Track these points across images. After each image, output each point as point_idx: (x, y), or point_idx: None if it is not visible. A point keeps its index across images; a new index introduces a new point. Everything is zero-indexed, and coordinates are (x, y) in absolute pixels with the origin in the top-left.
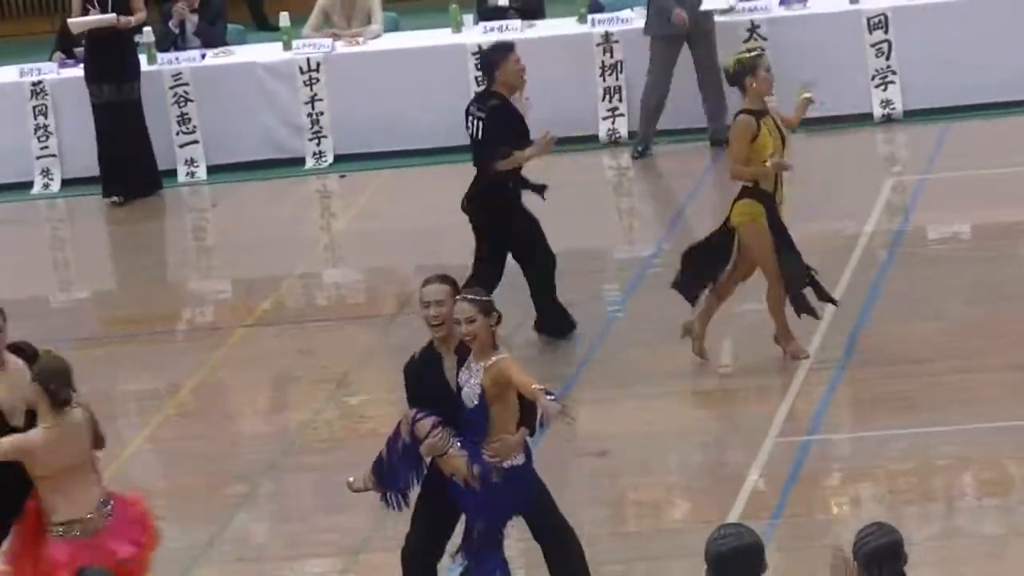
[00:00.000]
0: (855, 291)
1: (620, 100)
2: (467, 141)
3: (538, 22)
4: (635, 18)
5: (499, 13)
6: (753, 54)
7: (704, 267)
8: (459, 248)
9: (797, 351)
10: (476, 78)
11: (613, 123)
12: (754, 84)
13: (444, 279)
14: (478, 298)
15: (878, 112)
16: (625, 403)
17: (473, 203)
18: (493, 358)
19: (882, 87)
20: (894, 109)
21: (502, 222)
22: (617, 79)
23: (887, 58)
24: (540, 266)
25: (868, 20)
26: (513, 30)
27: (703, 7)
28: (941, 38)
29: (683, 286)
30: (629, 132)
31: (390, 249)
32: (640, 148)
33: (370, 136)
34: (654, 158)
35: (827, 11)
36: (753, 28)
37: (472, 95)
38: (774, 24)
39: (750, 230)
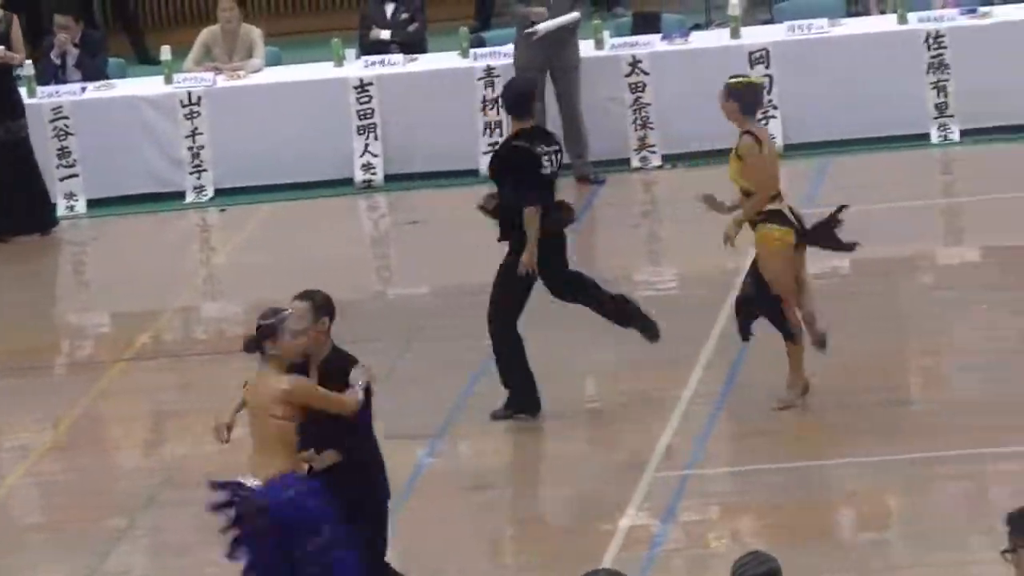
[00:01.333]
0: (734, 326)
1: (502, 134)
2: (344, 175)
3: (420, 56)
4: None
5: (381, 47)
6: (760, 81)
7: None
8: (340, 281)
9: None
10: (359, 112)
11: None
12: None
13: (302, 296)
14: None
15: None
16: (505, 437)
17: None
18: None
19: (763, 121)
20: (775, 143)
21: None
22: (499, 113)
23: (768, 93)
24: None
25: (750, 55)
26: (395, 64)
27: (543, 24)
28: (822, 73)
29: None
30: None
31: (270, 283)
32: None
33: (251, 170)
34: None
35: (709, 46)
36: (635, 63)
37: (354, 128)
38: (656, 59)
39: (768, 252)
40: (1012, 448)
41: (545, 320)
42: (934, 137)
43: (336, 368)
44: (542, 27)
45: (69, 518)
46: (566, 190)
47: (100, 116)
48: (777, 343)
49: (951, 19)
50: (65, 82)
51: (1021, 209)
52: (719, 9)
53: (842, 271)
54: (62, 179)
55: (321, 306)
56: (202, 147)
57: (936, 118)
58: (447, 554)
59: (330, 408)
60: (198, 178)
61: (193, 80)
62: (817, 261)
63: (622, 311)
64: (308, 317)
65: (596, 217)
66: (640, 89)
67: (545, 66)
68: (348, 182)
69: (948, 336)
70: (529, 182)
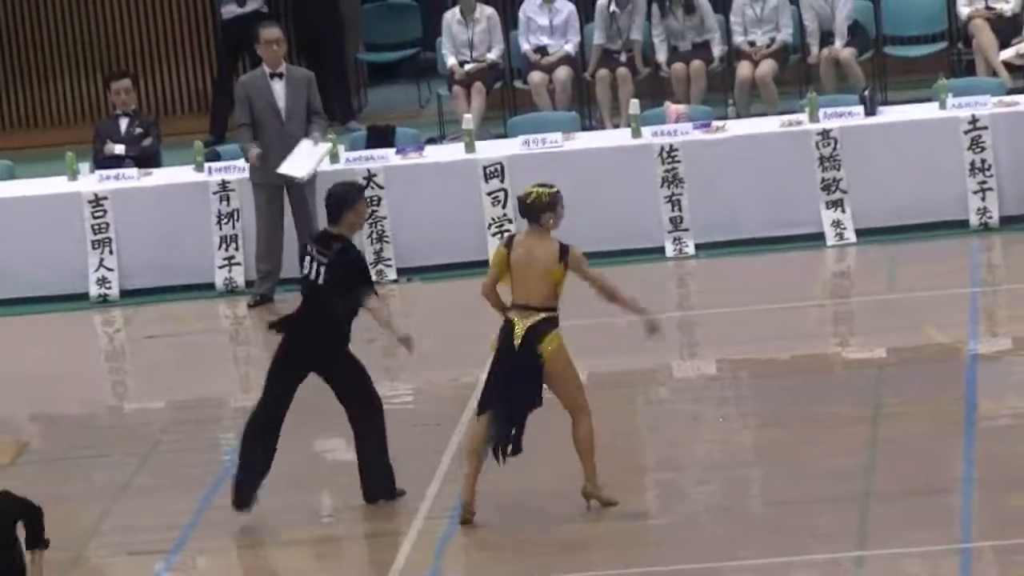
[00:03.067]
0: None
1: (237, 249)
2: (79, 289)
3: (155, 170)
4: None
5: (116, 161)
6: (554, 190)
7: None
8: (74, 396)
9: (609, 499)
10: (94, 226)
11: (230, 272)
12: (552, 220)
13: None
14: None
15: None
16: (242, 551)
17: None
18: None
19: (499, 235)
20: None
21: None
22: (234, 227)
23: (503, 207)
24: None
25: (484, 169)
26: (130, 178)
27: (282, 170)
28: (557, 187)
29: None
30: (246, 281)
31: (3, 398)
32: (258, 297)
33: None
34: (274, 305)
35: (444, 160)
36: (370, 177)
37: (89, 243)
38: (391, 173)
39: (563, 361)
40: (748, 561)
41: (284, 440)
42: (669, 251)
43: None
44: (303, 174)
45: None
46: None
47: None
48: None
49: (685, 133)
50: None
51: (754, 322)
52: (453, 123)
53: None
54: None
55: None
56: None
57: (671, 231)
58: None
59: None
60: None
61: None
62: None
63: None
64: None
65: None
66: (375, 203)
67: (282, 180)
68: (83, 296)
69: (685, 449)
70: None
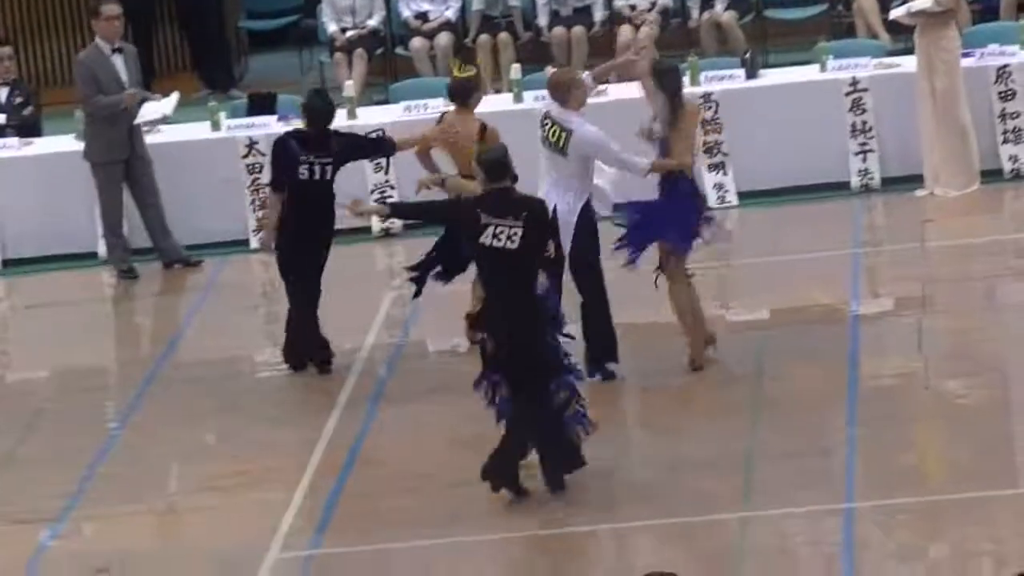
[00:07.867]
0: (355, 403)
1: None
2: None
3: (36, 140)
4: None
5: None
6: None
7: None
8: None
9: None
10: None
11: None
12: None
13: None
14: None
15: (377, 226)
16: (131, 519)
17: None
18: None
19: (381, 202)
20: (393, 223)
21: None
22: None
23: (385, 173)
24: None
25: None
26: (11, 148)
27: (139, 120)
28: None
29: None
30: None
31: None
32: (123, 268)
33: None
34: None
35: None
36: (252, 144)
37: None
38: (272, 140)
39: None
40: (631, 524)
41: (169, 408)
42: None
43: None
44: (161, 114)
45: None
46: (151, 277)
47: None
48: (400, 421)
49: None
50: None
51: (642, 285)
52: (335, 90)
53: (460, 349)
54: None
55: None
56: None
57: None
58: None
59: None
60: None
61: None
62: (436, 340)
63: None
64: None
65: (214, 298)
66: (257, 170)
67: (126, 155)
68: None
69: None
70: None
